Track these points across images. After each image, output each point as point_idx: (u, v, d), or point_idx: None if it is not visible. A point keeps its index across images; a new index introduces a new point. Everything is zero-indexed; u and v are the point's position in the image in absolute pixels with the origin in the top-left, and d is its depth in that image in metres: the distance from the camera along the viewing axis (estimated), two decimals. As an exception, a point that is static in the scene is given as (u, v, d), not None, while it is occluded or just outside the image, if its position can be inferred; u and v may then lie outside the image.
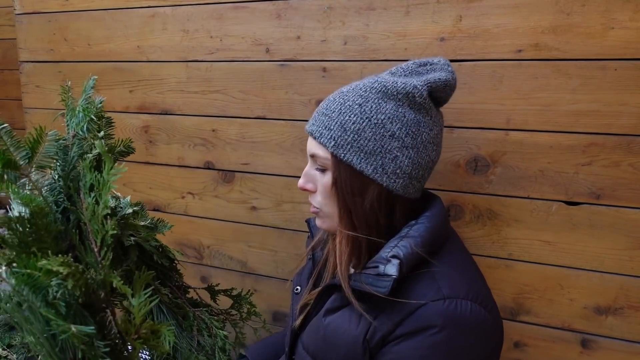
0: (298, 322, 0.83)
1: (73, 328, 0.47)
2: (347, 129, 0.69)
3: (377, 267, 0.65)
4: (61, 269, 0.47)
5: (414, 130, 0.70)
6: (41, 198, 0.49)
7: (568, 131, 0.93)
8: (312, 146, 0.74)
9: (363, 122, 0.69)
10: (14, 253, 0.48)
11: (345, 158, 0.69)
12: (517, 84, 0.95)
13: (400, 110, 0.70)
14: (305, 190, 0.77)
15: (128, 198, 0.70)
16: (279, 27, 1.14)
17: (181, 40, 1.26)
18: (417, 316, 0.63)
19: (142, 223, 0.66)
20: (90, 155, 0.59)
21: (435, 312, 0.62)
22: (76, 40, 1.40)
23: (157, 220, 0.74)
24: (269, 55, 1.16)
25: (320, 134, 0.71)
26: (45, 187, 0.59)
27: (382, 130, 0.69)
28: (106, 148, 0.61)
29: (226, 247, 1.32)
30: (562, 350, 1.01)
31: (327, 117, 0.72)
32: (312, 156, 0.74)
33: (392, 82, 0.71)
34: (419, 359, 0.62)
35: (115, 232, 0.53)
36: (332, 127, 0.70)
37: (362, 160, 0.69)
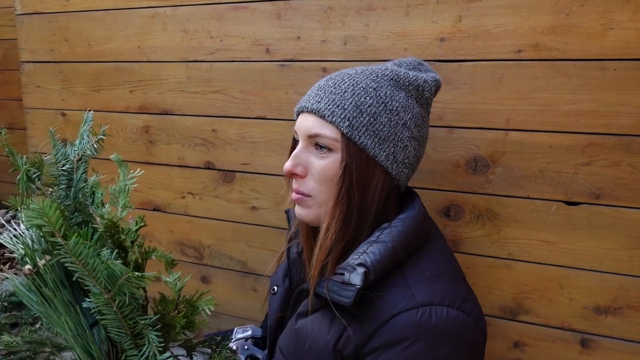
0: (274, 324, 0.80)
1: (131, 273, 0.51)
2: (363, 110, 0.65)
3: (343, 274, 0.61)
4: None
5: (419, 122, 0.70)
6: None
7: (568, 131, 0.93)
8: (314, 125, 0.66)
9: (379, 106, 0.66)
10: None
11: (360, 141, 0.64)
12: (517, 84, 0.95)
13: (409, 101, 0.69)
14: (293, 175, 0.68)
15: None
16: (279, 28, 1.14)
17: (181, 41, 1.26)
18: (390, 328, 0.59)
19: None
20: (98, 176, 0.67)
21: (407, 324, 0.59)
22: (77, 41, 1.40)
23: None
24: (269, 55, 1.16)
25: (332, 113, 0.64)
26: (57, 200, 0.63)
27: (396, 118, 0.66)
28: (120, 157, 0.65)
29: (226, 247, 1.33)
30: (562, 350, 1.01)
31: (338, 96, 0.65)
32: (312, 136, 0.67)
33: (404, 73, 0.70)
34: None
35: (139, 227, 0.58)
36: (346, 106, 0.64)
37: (377, 146, 0.65)
